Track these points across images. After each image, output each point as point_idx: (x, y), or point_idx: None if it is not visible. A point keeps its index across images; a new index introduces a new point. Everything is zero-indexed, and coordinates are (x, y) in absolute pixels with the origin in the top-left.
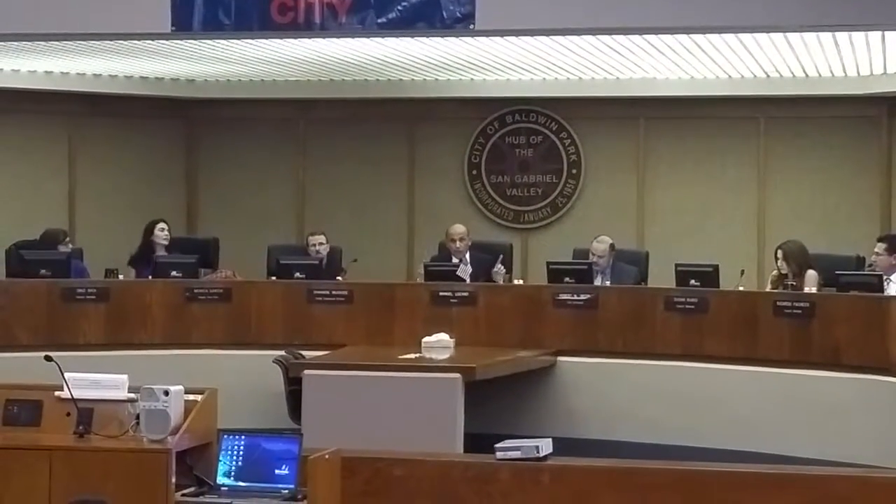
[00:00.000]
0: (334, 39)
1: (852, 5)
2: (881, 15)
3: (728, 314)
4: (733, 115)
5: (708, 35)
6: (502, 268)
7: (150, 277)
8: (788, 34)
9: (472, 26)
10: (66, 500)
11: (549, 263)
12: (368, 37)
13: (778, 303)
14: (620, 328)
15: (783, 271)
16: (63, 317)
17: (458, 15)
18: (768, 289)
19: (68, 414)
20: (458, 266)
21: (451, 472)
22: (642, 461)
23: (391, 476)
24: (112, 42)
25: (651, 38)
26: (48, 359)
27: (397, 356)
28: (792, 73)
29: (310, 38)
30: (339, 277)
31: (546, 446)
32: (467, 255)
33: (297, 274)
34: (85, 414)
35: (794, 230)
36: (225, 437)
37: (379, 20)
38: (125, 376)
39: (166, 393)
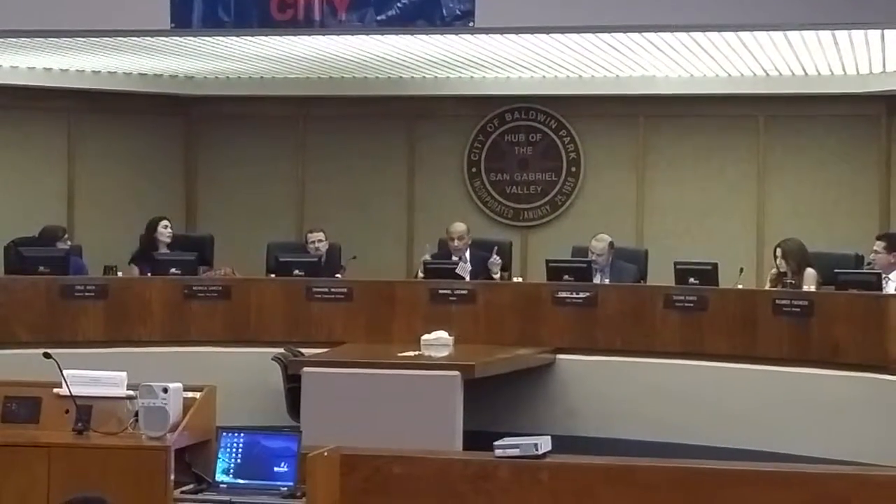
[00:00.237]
0: (334, 37)
1: (851, 4)
2: (880, 13)
3: (727, 312)
4: (733, 114)
5: (707, 33)
6: (498, 258)
7: (149, 275)
8: (788, 32)
9: (471, 24)
10: (64, 497)
11: (548, 261)
12: (368, 34)
13: (777, 301)
14: (619, 326)
15: (782, 269)
16: (62, 314)
17: (458, 12)
18: (767, 287)
19: (67, 411)
20: (457, 264)
21: (451, 469)
22: (641, 459)
23: (390, 473)
24: (111, 39)
25: (651, 35)
26: (47, 356)
27: (396, 354)
28: (791, 71)
29: (309, 35)
30: (338, 275)
31: (545, 444)
32: (467, 254)
33: (297, 271)
34: (84, 411)
35: (794, 228)
36: (224, 434)
37: (378, 17)
38: (124, 373)
39: (165, 390)
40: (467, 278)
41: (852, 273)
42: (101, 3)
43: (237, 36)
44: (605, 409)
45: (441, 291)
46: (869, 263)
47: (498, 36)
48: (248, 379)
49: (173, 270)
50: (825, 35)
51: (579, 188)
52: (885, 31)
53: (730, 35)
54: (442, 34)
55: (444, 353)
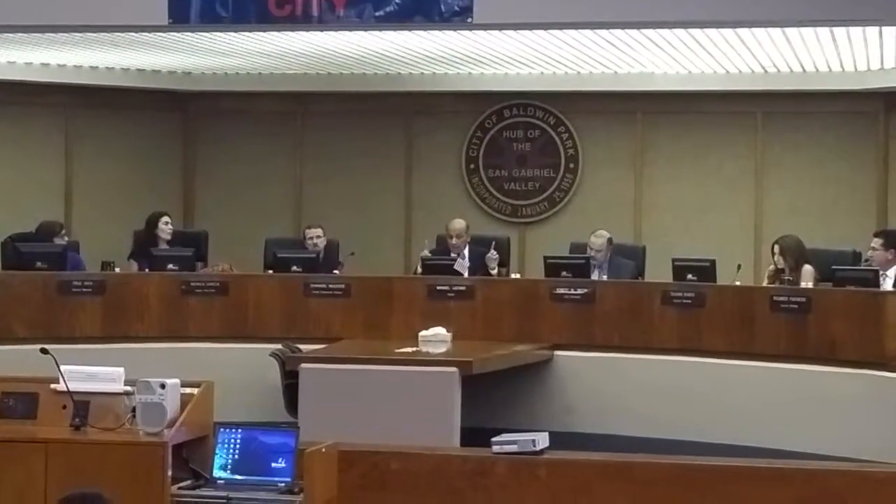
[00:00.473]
0: (332, 33)
1: (849, 0)
2: (878, 10)
3: (725, 309)
4: (731, 110)
5: (706, 30)
6: (495, 253)
7: (147, 270)
8: (786, 29)
9: (469, 20)
10: (61, 493)
11: (546, 258)
12: (366, 30)
13: (774, 297)
14: (617, 322)
15: (780, 266)
16: (59, 309)
17: (456, 8)
18: (765, 283)
19: (64, 407)
20: (455, 260)
21: (448, 465)
22: (638, 455)
23: (388, 469)
24: (109, 34)
25: (649, 32)
26: (44, 351)
27: (394, 350)
28: (789, 68)
29: (307, 31)
30: (336, 271)
31: (542, 440)
32: (466, 251)
33: (294, 267)
34: (81, 407)
35: (791, 225)
36: (221, 430)
37: (377, 13)
38: (121, 369)
39: (163, 386)
40: (465, 274)
41: (850, 270)
42: None
43: (235, 32)
44: (602, 406)
45: (439, 288)
46: (866, 260)
47: (496, 32)
48: (246, 375)
49: (171, 266)
50: (823, 32)
51: (577, 184)
52: (883, 28)
53: (728, 32)
54: (440, 30)
55: (442, 349)
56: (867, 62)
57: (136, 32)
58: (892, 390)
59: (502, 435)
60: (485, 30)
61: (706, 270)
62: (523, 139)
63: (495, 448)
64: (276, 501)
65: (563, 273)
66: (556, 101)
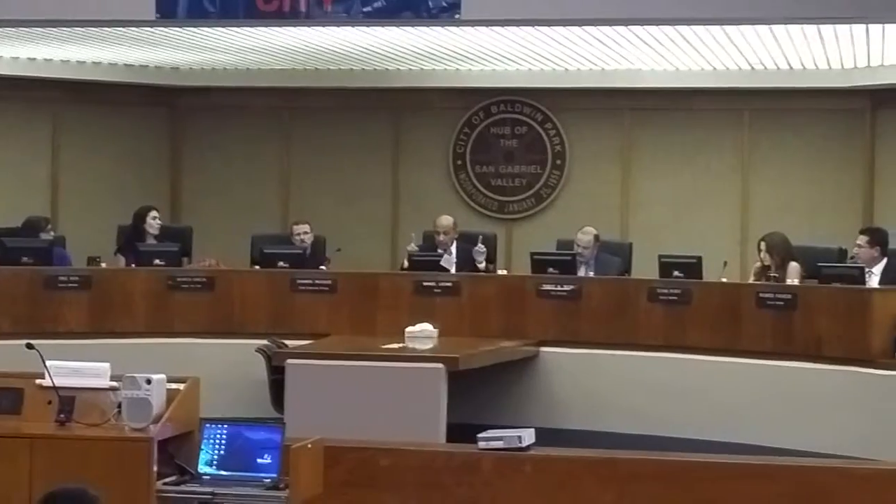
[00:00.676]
0: (320, 28)
1: None
2: (865, 8)
3: (711, 305)
4: (718, 107)
5: (693, 27)
6: (482, 247)
7: (133, 266)
8: (773, 27)
9: (457, 16)
10: (46, 489)
11: (532, 254)
12: (354, 26)
13: (760, 294)
14: (604, 319)
15: (766, 263)
16: (45, 305)
17: (444, 4)
18: (751, 280)
19: (50, 402)
20: (442, 256)
21: (435, 461)
22: (625, 451)
23: (375, 465)
24: (96, 29)
25: (637, 29)
26: (30, 347)
27: (380, 346)
28: (776, 65)
29: (295, 26)
30: (322, 267)
31: (529, 436)
32: (453, 247)
33: (281, 263)
34: (66, 402)
35: (778, 222)
36: (207, 425)
37: (364, 9)
38: (107, 364)
39: (148, 381)
40: (452, 270)
41: (836, 267)
42: None
43: (222, 27)
44: (588, 402)
45: (425, 284)
46: (852, 257)
47: (484, 28)
48: (232, 370)
49: (157, 262)
50: (810, 29)
51: (564, 181)
52: (870, 26)
53: (715, 29)
54: (428, 26)
55: (429, 345)
56: (854, 60)
57: (124, 27)
58: (878, 387)
59: (488, 431)
60: (472, 26)
61: (692, 267)
62: (510, 135)
63: (481, 444)
64: (262, 497)
65: (550, 269)
66: (543, 98)
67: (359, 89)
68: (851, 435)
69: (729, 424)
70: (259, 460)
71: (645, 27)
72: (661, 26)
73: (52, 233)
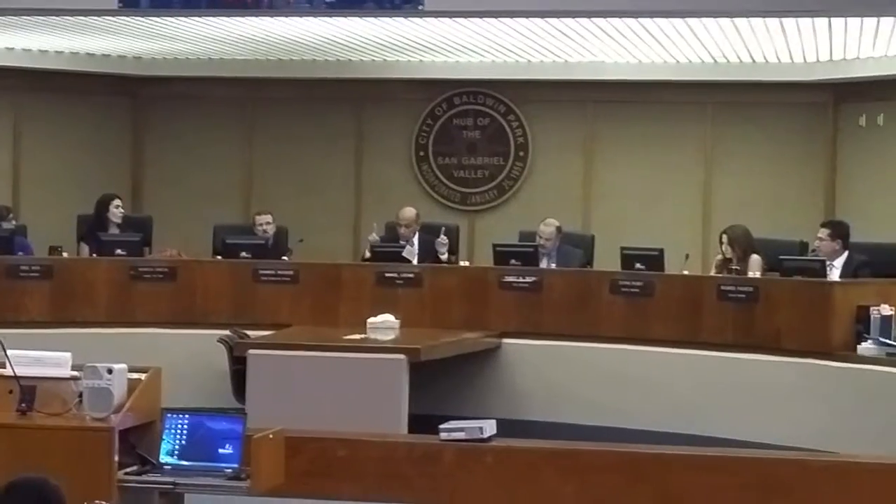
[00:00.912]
0: (283, 18)
1: None
2: (828, 2)
3: (672, 298)
4: (681, 100)
5: (656, 19)
6: (445, 238)
7: (93, 255)
8: (736, 19)
9: (420, 7)
10: (7, 478)
11: (495, 246)
12: (317, 16)
13: (722, 287)
14: (565, 311)
15: (727, 256)
16: (6, 294)
17: None
18: (713, 273)
19: (10, 391)
20: (404, 247)
21: (396, 452)
22: (585, 443)
23: (335, 456)
24: (59, 18)
25: (600, 21)
26: None
27: (342, 336)
28: (739, 58)
29: (258, 16)
30: (284, 257)
31: (490, 427)
32: (415, 238)
33: (243, 253)
34: (27, 391)
35: (739, 215)
36: (168, 415)
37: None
38: (68, 354)
39: (110, 371)
40: (414, 262)
41: (797, 260)
42: None
43: (185, 16)
44: (550, 394)
45: (387, 275)
46: (813, 250)
47: (447, 19)
48: (194, 361)
49: (119, 251)
50: (773, 22)
51: (527, 173)
52: (832, 20)
53: (678, 21)
54: (391, 17)
55: (390, 336)
56: (816, 53)
57: (86, 16)
58: (837, 380)
59: (450, 422)
60: (436, 17)
61: (654, 259)
62: (473, 127)
63: (443, 435)
64: (223, 487)
65: (512, 261)
66: (506, 90)
67: (321, 80)
68: (811, 427)
69: (689, 416)
70: (221, 450)
71: (608, 20)
72: (624, 19)
73: (13, 222)
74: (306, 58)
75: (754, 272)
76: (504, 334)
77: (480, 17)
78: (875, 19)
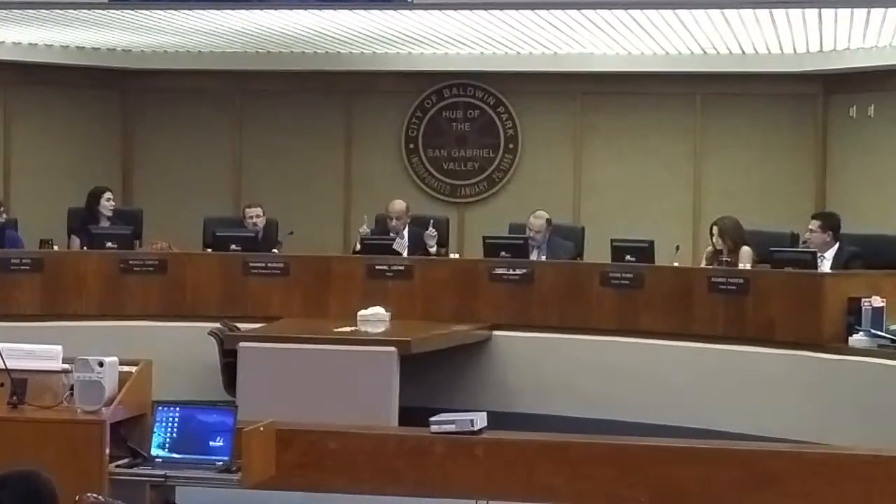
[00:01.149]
0: (272, 11)
1: None
2: None
3: (663, 290)
4: (670, 91)
5: (645, 10)
6: (434, 230)
7: (84, 248)
8: (725, 11)
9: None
10: None
11: (485, 238)
12: (306, 9)
13: (712, 279)
14: (556, 303)
15: (718, 247)
16: None
17: None
18: (703, 265)
19: (1, 384)
20: (394, 239)
21: (386, 445)
22: (576, 435)
23: (326, 448)
24: (48, 11)
25: (588, 13)
26: None
27: (333, 329)
28: (729, 49)
29: (247, 9)
30: (275, 250)
31: (481, 420)
32: (405, 231)
33: (233, 246)
34: (18, 384)
35: (730, 206)
36: (159, 408)
37: None
38: (59, 347)
39: (101, 364)
40: (404, 254)
41: (788, 251)
42: None
43: (175, 9)
44: (540, 386)
45: (378, 267)
46: (804, 242)
47: (436, 12)
48: (184, 353)
49: (109, 244)
50: (763, 14)
51: (517, 165)
52: (822, 11)
53: (668, 13)
54: (380, 10)
55: (381, 328)
56: (806, 44)
57: (76, 10)
58: (829, 371)
59: (440, 414)
60: (425, 9)
61: (644, 251)
62: (463, 119)
63: (433, 427)
64: (214, 480)
65: (502, 253)
66: (495, 82)
67: (311, 72)
68: (802, 419)
69: (681, 408)
70: (211, 443)
71: (597, 11)
72: (613, 10)
73: (3, 215)
74: (295, 51)
75: (745, 264)
76: (494, 326)
77: (469, 10)
78: (865, 10)
